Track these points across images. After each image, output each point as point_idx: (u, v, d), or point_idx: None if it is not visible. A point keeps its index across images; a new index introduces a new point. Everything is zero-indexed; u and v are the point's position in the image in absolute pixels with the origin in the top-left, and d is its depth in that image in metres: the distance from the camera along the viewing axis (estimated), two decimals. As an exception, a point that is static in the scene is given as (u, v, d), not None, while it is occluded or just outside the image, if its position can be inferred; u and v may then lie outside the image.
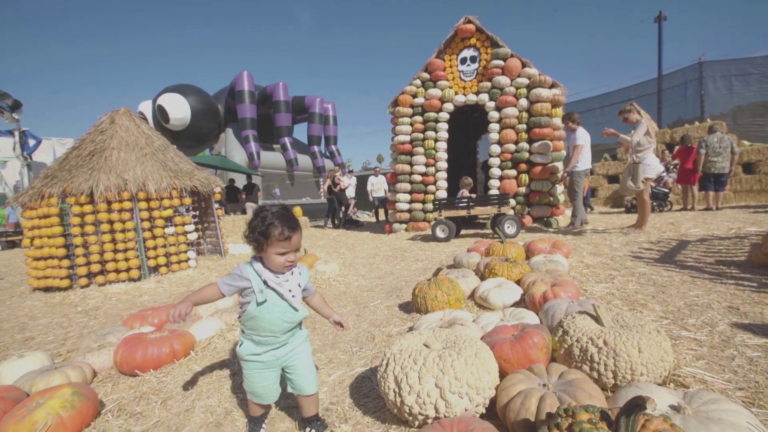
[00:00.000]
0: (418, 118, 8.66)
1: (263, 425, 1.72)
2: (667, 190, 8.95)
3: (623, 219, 7.90)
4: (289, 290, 1.55)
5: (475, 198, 7.06)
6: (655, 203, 8.55)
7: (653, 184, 8.69)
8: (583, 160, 6.58)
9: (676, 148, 9.86)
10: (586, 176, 6.72)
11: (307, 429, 1.65)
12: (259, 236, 1.48)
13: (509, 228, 6.45)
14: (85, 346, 2.78)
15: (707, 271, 3.43)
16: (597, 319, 1.83)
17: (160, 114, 14.79)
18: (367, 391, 1.96)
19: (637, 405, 0.99)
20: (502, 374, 1.70)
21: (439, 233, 6.81)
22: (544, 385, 1.48)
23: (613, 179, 12.32)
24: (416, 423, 1.53)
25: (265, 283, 1.53)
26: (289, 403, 1.91)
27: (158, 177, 5.70)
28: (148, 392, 2.18)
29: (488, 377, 1.52)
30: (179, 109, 14.73)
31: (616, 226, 6.59)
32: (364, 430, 1.64)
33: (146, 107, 15.58)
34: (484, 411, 1.55)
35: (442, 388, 1.45)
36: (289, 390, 1.67)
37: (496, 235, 6.50)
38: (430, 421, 1.48)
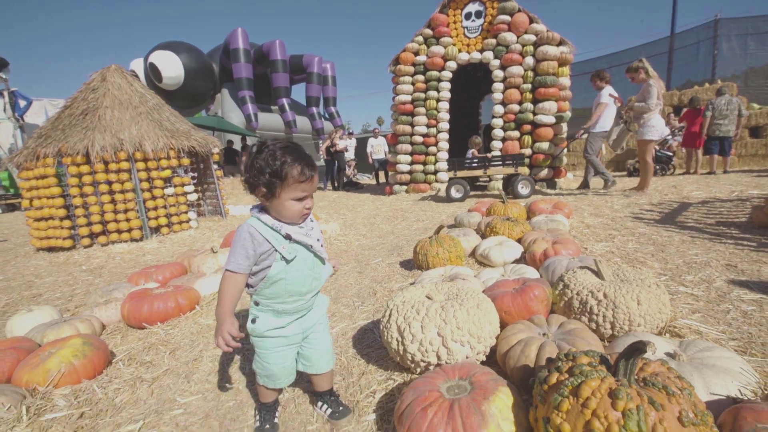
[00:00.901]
0: (420, 77, 8.38)
1: (276, 413, 1.48)
2: (671, 154, 8.82)
3: (625, 182, 7.85)
4: (318, 239, 1.33)
5: (491, 157, 6.96)
6: (657, 167, 8.47)
7: (657, 147, 8.56)
8: (603, 122, 6.32)
9: (684, 110, 9.61)
10: (603, 140, 6.48)
11: (319, 404, 1.50)
12: (271, 178, 1.18)
13: (523, 188, 6.41)
14: (92, 301, 2.83)
15: (707, 231, 3.45)
16: (598, 273, 1.85)
17: (153, 73, 14.27)
18: (370, 342, 2.02)
19: (637, 349, 1.01)
20: (503, 326, 1.74)
21: (454, 193, 6.76)
22: (544, 335, 1.51)
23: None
24: (418, 370, 1.58)
25: (288, 237, 1.26)
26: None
27: (154, 137, 5.58)
28: (157, 343, 2.25)
29: (489, 327, 1.55)
30: (172, 68, 14.20)
31: (617, 189, 6.55)
32: (369, 377, 1.70)
33: (138, 66, 15.00)
34: (484, 359, 1.60)
35: (444, 336, 1.48)
36: (300, 368, 1.45)
37: (510, 196, 6.46)
38: (431, 368, 1.52)
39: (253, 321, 1.34)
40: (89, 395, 1.76)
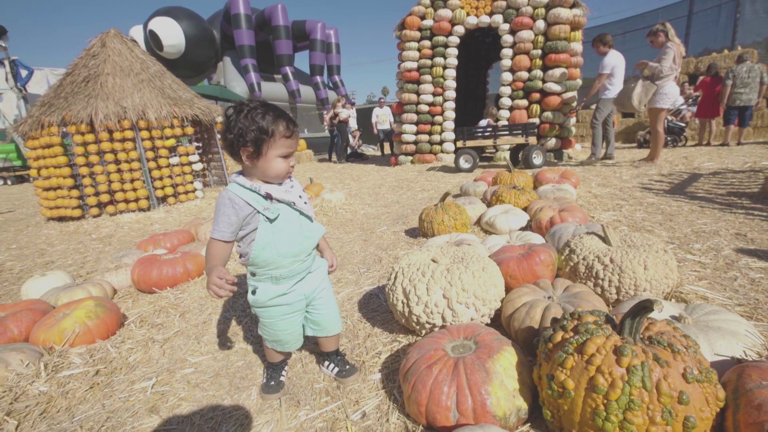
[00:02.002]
0: (426, 43, 8.07)
1: (284, 372, 1.51)
2: (683, 125, 8.55)
3: (635, 153, 7.68)
4: (299, 196, 1.31)
5: (501, 126, 6.78)
6: (669, 138, 8.23)
7: (670, 117, 8.31)
8: (613, 88, 5.98)
9: (700, 78, 9.22)
10: (613, 106, 6.08)
11: (326, 363, 1.53)
12: (259, 134, 1.16)
13: (536, 158, 6.25)
14: (103, 266, 2.88)
15: (718, 201, 3.38)
16: (605, 239, 1.82)
17: (153, 41, 13.90)
18: (375, 306, 2.04)
19: (644, 307, 1.00)
20: (508, 290, 1.74)
21: (463, 163, 6.64)
22: (549, 298, 1.51)
23: (627, 113, 11.78)
24: (423, 332, 1.60)
25: (267, 197, 1.24)
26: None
27: (157, 105, 5.50)
28: (167, 306, 2.29)
29: (494, 290, 1.55)
30: (173, 35, 13.80)
31: (627, 160, 6.42)
32: (374, 339, 1.73)
33: (137, 33, 14.58)
34: (489, 321, 1.61)
35: (449, 298, 1.48)
36: (309, 333, 1.47)
37: (522, 167, 6.33)
38: (436, 330, 1.54)
39: (253, 292, 1.33)
40: (104, 354, 1.81)
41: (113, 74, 5.36)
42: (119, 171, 5.26)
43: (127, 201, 5.33)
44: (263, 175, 1.24)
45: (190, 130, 5.90)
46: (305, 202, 1.33)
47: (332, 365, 1.51)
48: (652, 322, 1.09)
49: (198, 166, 6.10)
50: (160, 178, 5.58)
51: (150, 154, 5.47)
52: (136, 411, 1.42)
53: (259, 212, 1.24)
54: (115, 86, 5.29)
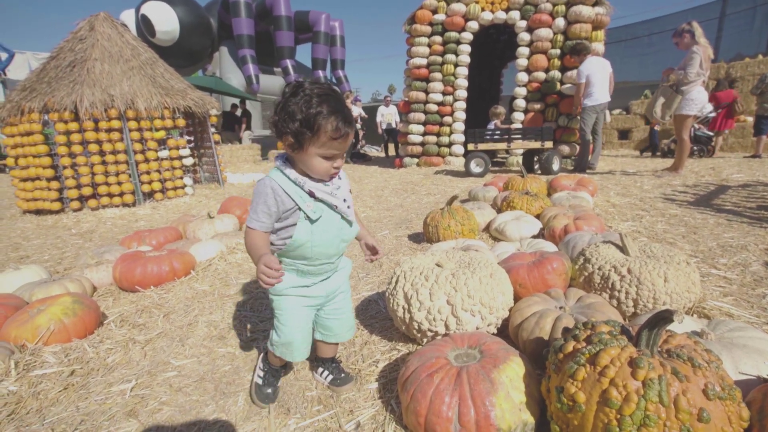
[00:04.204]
0: (438, 39, 8.15)
1: (280, 379, 1.51)
2: (711, 134, 8.58)
3: (657, 162, 7.70)
4: (344, 200, 1.29)
5: (515, 129, 6.84)
6: (696, 147, 8.25)
7: (696, 126, 8.33)
8: (593, 95, 6.24)
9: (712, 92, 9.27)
10: (597, 113, 6.34)
11: (320, 370, 1.53)
12: (301, 128, 1.11)
13: (554, 164, 6.34)
14: (83, 262, 2.89)
15: (746, 215, 3.38)
16: (623, 248, 1.83)
17: (145, 26, 14.07)
18: (374, 313, 2.05)
19: (663, 318, 1.00)
20: (517, 299, 1.75)
21: (474, 167, 6.68)
22: (561, 308, 1.51)
23: (649, 121, 11.82)
24: (425, 340, 1.60)
25: (311, 194, 1.22)
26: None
27: (148, 94, 5.56)
28: (150, 306, 2.30)
29: (502, 297, 1.56)
30: (166, 21, 13.97)
31: (649, 169, 6.43)
32: (372, 347, 1.73)
33: (129, 17, 14.76)
34: (495, 331, 1.62)
35: (453, 305, 1.49)
36: (318, 337, 1.46)
37: (539, 172, 6.38)
38: (439, 338, 1.54)
39: None
40: (80, 354, 1.82)
41: (101, 60, 5.43)
42: (104, 163, 5.30)
43: (110, 195, 5.36)
44: (306, 168, 1.21)
45: (181, 122, 5.95)
46: (348, 206, 1.31)
47: (326, 372, 1.51)
48: (672, 335, 1.09)
49: (189, 161, 6.15)
50: (148, 172, 5.62)
51: (138, 146, 5.52)
52: (113, 414, 1.43)
53: (300, 209, 1.22)
54: (103, 73, 5.35)
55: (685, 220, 3.27)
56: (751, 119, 8.43)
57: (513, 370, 1.17)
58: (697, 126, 8.37)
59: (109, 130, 5.26)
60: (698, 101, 5.28)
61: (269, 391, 1.44)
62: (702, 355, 1.01)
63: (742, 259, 2.38)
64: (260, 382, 1.47)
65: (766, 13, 13.95)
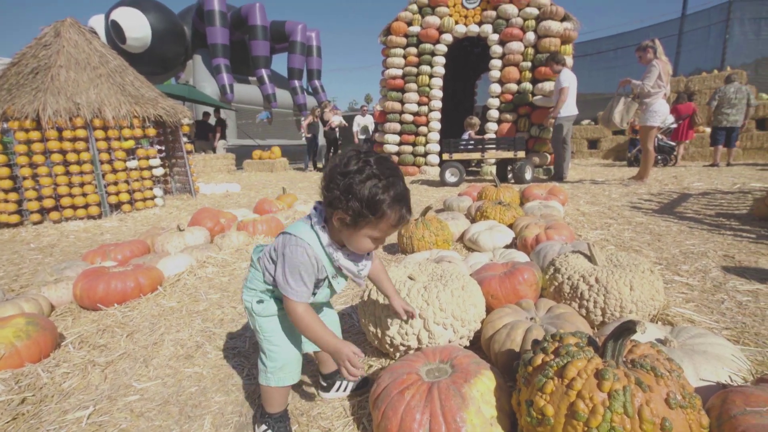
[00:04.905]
0: (413, 50, 8.28)
1: (288, 425, 1.33)
2: (673, 144, 8.99)
3: (624, 171, 7.99)
4: (365, 276, 1.29)
5: (489, 140, 6.97)
6: (659, 157, 8.63)
7: (660, 136, 8.71)
8: (568, 106, 6.51)
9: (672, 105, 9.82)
10: (570, 123, 6.66)
11: (336, 385, 1.49)
12: (364, 210, 1.04)
13: (527, 173, 6.48)
14: (41, 279, 2.74)
15: (706, 222, 3.54)
16: (591, 258, 1.87)
17: (115, 32, 13.71)
18: (347, 327, 2.01)
19: (627, 329, 1.02)
20: (489, 311, 1.75)
21: (449, 177, 6.76)
22: (532, 319, 1.53)
23: (618, 131, 12.30)
24: (397, 355, 1.58)
25: (338, 269, 1.20)
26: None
27: (116, 102, 5.39)
28: (113, 325, 2.20)
29: (474, 310, 1.56)
30: (137, 28, 13.67)
31: (616, 178, 6.67)
32: (343, 362, 1.70)
33: (98, 23, 14.36)
34: (467, 344, 1.62)
35: (426, 318, 1.48)
36: (310, 350, 1.41)
37: (512, 182, 6.51)
38: (411, 352, 1.53)
39: (259, 303, 1.26)
40: (33, 380, 1.71)
41: (67, 67, 5.24)
42: (67, 173, 5.08)
43: (74, 207, 5.14)
44: (347, 242, 1.15)
45: (152, 131, 5.79)
46: (362, 277, 1.27)
47: (344, 383, 1.48)
48: (636, 345, 1.11)
49: (159, 171, 5.97)
50: (115, 183, 5.42)
51: (105, 156, 5.33)
52: (67, 444, 1.34)
53: (329, 280, 1.21)
54: (69, 80, 5.16)
55: (650, 228, 3.39)
56: (709, 130, 8.86)
57: (484, 384, 1.16)
58: (660, 136, 8.76)
59: (74, 140, 5.06)
60: (661, 113, 5.53)
61: None
62: (664, 364, 1.03)
63: (703, 265, 2.48)
64: None
65: (720, 31, 14.82)
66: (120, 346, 1.99)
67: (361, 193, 1.03)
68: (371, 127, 11.90)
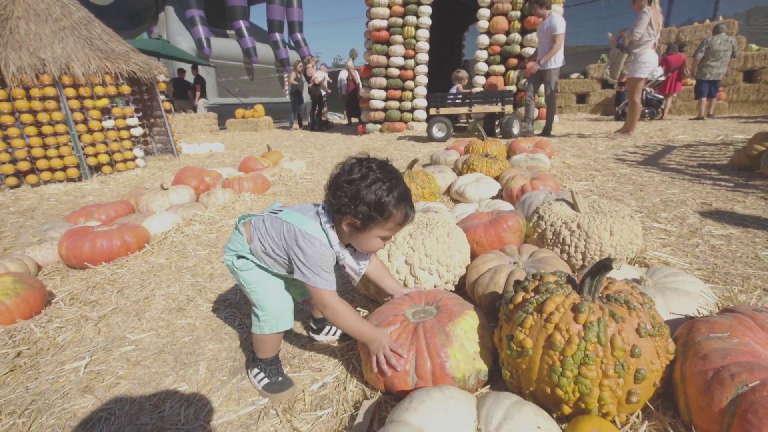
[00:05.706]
0: (398, 0, 7.89)
1: (281, 369, 1.37)
2: (661, 97, 8.94)
3: (612, 125, 7.99)
4: (360, 265, 1.32)
5: (476, 93, 6.80)
6: (646, 110, 8.60)
7: (648, 89, 8.64)
8: (558, 56, 5.93)
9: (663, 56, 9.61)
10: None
11: (326, 329, 1.56)
12: (372, 212, 1.11)
13: (515, 127, 6.36)
14: (24, 240, 2.71)
15: (688, 173, 3.61)
16: (574, 205, 1.91)
17: (78, -18, 12.73)
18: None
19: (604, 266, 1.07)
20: (474, 257, 1.80)
21: (436, 132, 6.65)
22: (515, 263, 1.58)
23: (607, 84, 12.15)
24: (385, 300, 1.63)
25: (342, 267, 1.27)
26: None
27: (85, 58, 5.10)
28: (102, 282, 2.21)
29: (459, 256, 1.60)
30: (102, -24, 12.70)
31: (603, 132, 6.68)
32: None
33: (58, -28, 13.28)
34: (453, 288, 1.67)
35: (411, 264, 1.52)
36: (300, 298, 1.45)
37: (500, 136, 6.41)
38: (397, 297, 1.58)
39: (240, 257, 1.29)
40: (26, 334, 1.73)
41: (26, 18, 4.89)
42: (41, 135, 4.89)
43: (52, 170, 4.99)
44: (357, 244, 1.22)
45: (126, 89, 5.54)
46: (362, 270, 1.32)
47: (333, 328, 1.56)
48: (612, 282, 1.17)
49: (138, 131, 5.78)
50: (93, 144, 5.24)
51: (78, 116, 5.11)
52: (67, 392, 1.38)
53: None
54: (29, 33, 4.84)
55: (633, 179, 3.45)
56: (694, 82, 8.79)
57: (468, 323, 1.22)
58: (648, 89, 8.70)
59: (43, 98, 4.83)
60: (650, 64, 5.44)
61: (280, 379, 1.31)
62: (637, 298, 1.09)
63: (681, 213, 2.56)
64: (266, 381, 1.31)
65: (715, -24, 14.38)
66: (111, 301, 2.02)
67: (368, 198, 1.10)
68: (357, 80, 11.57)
